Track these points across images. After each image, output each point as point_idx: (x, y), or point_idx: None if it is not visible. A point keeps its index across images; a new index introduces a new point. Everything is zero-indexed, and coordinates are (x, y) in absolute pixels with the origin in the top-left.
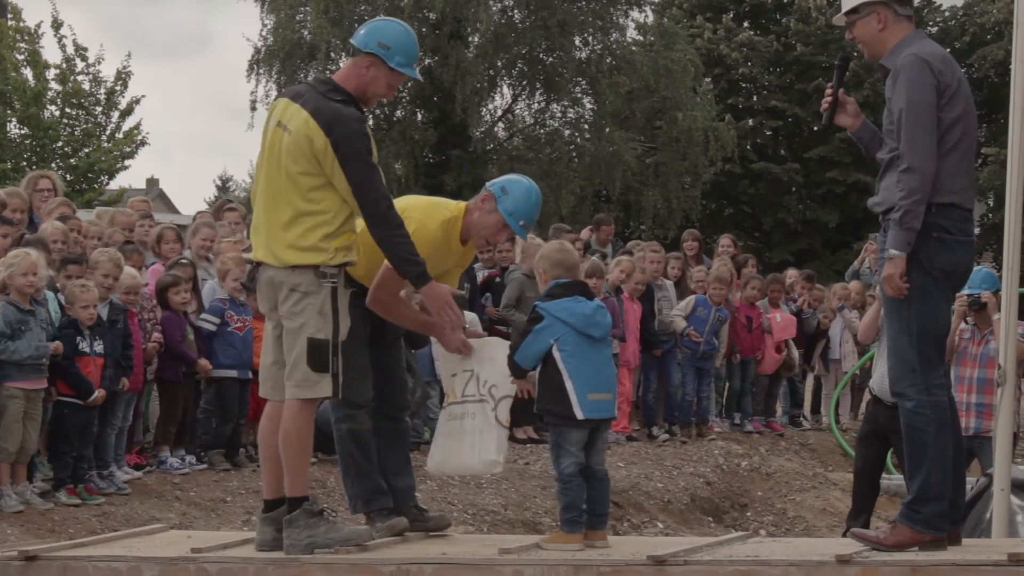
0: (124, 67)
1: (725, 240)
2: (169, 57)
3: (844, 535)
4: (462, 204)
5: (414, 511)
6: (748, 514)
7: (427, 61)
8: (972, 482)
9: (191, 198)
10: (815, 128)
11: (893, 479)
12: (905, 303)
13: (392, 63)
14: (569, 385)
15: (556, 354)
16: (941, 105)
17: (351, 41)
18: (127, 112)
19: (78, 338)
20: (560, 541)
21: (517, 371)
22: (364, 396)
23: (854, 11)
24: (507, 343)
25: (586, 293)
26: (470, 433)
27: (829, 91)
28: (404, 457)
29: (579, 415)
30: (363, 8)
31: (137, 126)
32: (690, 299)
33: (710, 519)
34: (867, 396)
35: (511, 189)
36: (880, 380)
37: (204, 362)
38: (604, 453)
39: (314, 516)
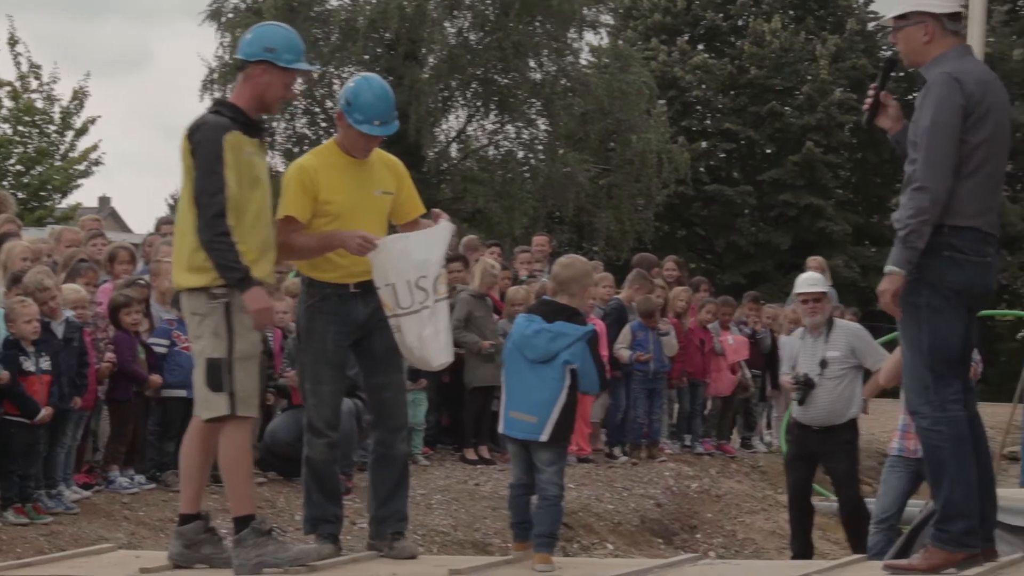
0: (81, 87)
1: (669, 264)
2: (109, 74)
3: (792, 558)
4: None
5: (390, 538)
6: (698, 536)
7: None
8: (920, 506)
9: (143, 216)
10: (768, 151)
11: (833, 502)
12: (916, 322)
13: (282, 62)
14: (502, 398)
15: (504, 367)
16: (967, 127)
17: (237, 56)
18: (82, 132)
19: (21, 357)
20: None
21: None
22: (324, 421)
23: (903, 17)
24: (407, 234)
25: (551, 315)
26: (407, 348)
27: (872, 91)
28: (392, 483)
29: (500, 428)
30: (317, 27)
31: (94, 147)
32: (625, 329)
33: (660, 541)
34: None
35: (354, 97)
36: (805, 408)
37: (155, 377)
38: (552, 475)
39: (262, 535)
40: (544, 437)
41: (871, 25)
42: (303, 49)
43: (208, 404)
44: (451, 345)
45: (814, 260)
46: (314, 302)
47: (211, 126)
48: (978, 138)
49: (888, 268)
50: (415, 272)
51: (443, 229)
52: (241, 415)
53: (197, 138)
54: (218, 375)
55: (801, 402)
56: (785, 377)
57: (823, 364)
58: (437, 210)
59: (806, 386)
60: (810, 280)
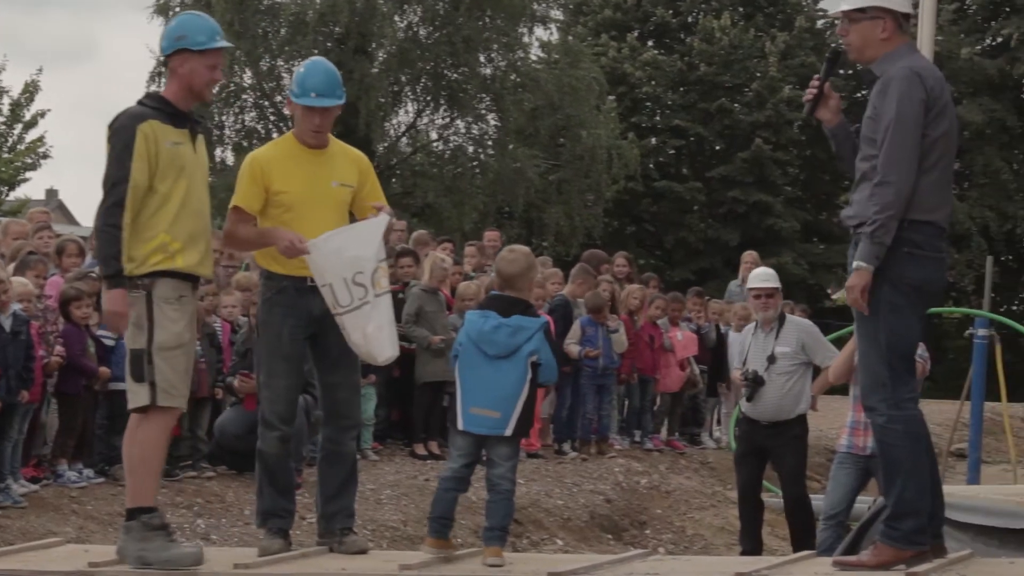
0: (33, 80)
1: (620, 260)
2: (55, 67)
3: (741, 554)
4: None
5: (339, 533)
6: (647, 532)
7: None
8: (869, 502)
9: (90, 209)
10: (717, 148)
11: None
12: (874, 317)
13: (196, 46)
14: (458, 394)
15: (456, 363)
16: (927, 122)
17: (159, 57)
18: (31, 124)
19: None
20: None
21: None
22: (277, 414)
23: (861, 10)
24: (338, 230)
25: (507, 309)
26: (353, 345)
27: (815, 82)
28: (341, 480)
29: (459, 425)
30: (267, 21)
31: (41, 139)
32: (575, 324)
33: (609, 536)
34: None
35: (295, 79)
36: (754, 403)
37: (104, 369)
38: (507, 469)
39: (151, 530)
40: (508, 431)
41: (820, 23)
42: (216, 29)
43: (133, 395)
44: (395, 338)
45: (749, 255)
46: (271, 295)
47: (128, 115)
48: (937, 132)
49: (856, 264)
50: (350, 269)
51: (375, 223)
52: (162, 405)
53: (114, 127)
54: (140, 365)
55: (750, 398)
56: (735, 373)
57: (771, 359)
58: (378, 203)
59: (755, 383)
60: (762, 275)
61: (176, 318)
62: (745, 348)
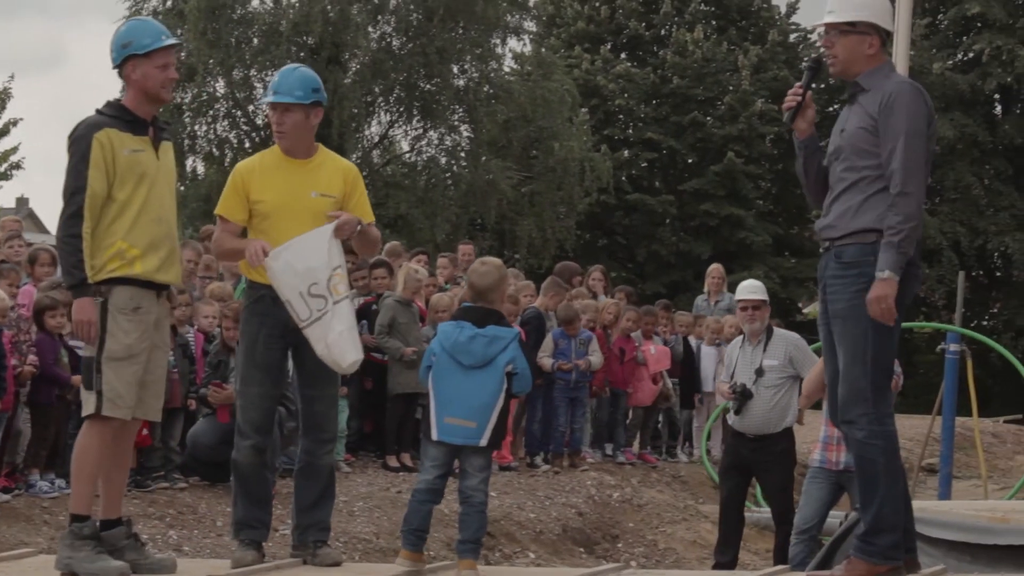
0: (5, 88)
1: (596, 273)
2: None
3: (713, 567)
4: None
5: (312, 546)
6: (619, 545)
7: None
8: (841, 517)
9: None
10: (689, 161)
11: (762, 512)
12: (862, 333)
13: (142, 49)
14: (432, 405)
15: (430, 374)
16: (928, 136)
17: (113, 70)
18: (3, 133)
19: None
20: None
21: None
22: (250, 423)
23: (851, 24)
24: (286, 244)
25: (481, 320)
26: (320, 356)
27: (796, 90)
28: (317, 493)
29: (433, 435)
30: (240, 31)
31: (14, 149)
32: (548, 337)
33: (581, 550)
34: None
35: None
36: (741, 415)
37: (77, 378)
38: (481, 481)
39: (79, 539)
40: (483, 442)
41: (793, 36)
42: (161, 29)
43: (84, 402)
44: (358, 343)
45: (715, 268)
46: (250, 303)
47: (85, 125)
48: (932, 147)
49: (883, 273)
50: (304, 283)
51: (320, 231)
52: (106, 415)
53: (72, 137)
54: (89, 373)
55: (738, 412)
56: (723, 386)
57: (759, 372)
58: (334, 212)
59: (743, 396)
60: (749, 287)
61: (129, 329)
62: (733, 361)
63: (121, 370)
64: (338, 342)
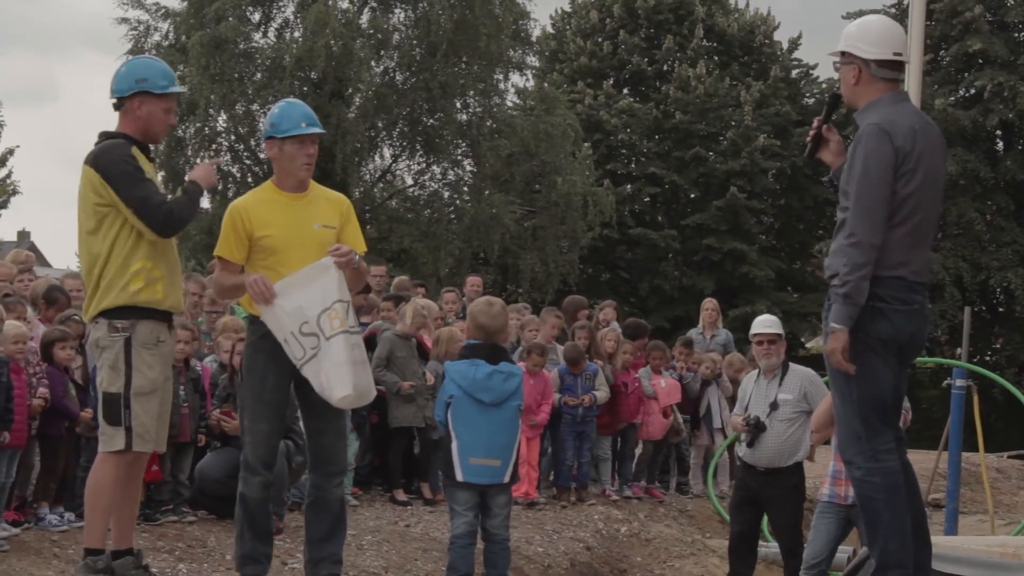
0: None
1: (607, 310)
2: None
3: None
4: None
5: None
6: None
7: None
8: (849, 552)
9: (62, 250)
10: (692, 196)
11: (771, 547)
12: (844, 372)
13: (157, 89)
14: (454, 446)
15: (448, 414)
16: (897, 177)
17: (112, 98)
18: (1, 162)
19: None
20: None
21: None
22: (260, 459)
23: (843, 52)
24: (280, 281)
25: (493, 357)
26: (317, 392)
27: (816, 124)
28: (327, 527)
29: (459, 476)
30: (243, 64)
31: (8, 176)
32: (554, 372)
33: None
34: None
35: (274, 117)
36: (753, 448)
37: (86, 413)
38: (504, 519)
39: (94, 573)
40: (507, 479)
41: (795, 72)
42: (173, 75)
43: (107, 438)
44: (347, 377)
45: (710, 302)
46: (255, 339)
47: (115, 145)
48: (908, 190)
49: (832, 327)
50: (294, 323)
51: (316, 268)
52: (136, 450)
53: (105, 161)
54: (117, 409)
55: (751, 444)
56: (736, 418)
57: (774, 406)
58: (332, 247)
59: (756, 428)
60: (765, 322)
61: (152, 363)
62: (747, 394)
63: (147, 404)
64: (328, 378)
